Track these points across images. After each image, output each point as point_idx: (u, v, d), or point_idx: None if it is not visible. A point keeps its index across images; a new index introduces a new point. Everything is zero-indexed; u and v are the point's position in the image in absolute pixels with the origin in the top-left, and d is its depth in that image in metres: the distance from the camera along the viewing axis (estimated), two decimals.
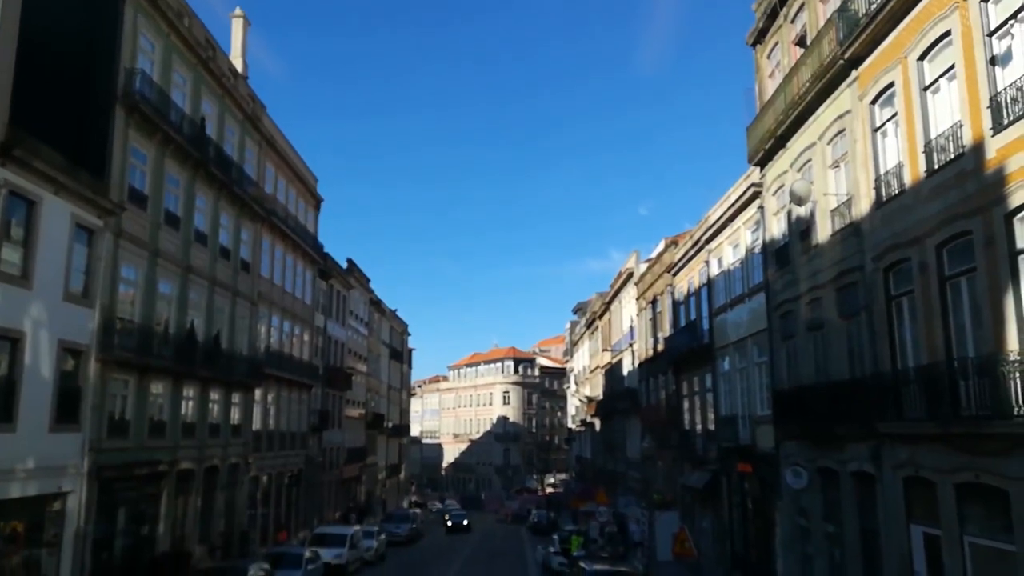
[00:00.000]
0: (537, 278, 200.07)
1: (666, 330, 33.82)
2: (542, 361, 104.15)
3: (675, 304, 32.29)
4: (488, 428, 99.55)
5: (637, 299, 40.48)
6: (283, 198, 37.49)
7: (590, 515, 26.84)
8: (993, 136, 11.79)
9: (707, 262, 27.00)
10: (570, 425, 79.27)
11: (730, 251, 24.86)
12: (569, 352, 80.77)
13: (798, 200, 17.73)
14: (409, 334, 78.15)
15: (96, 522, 20.71)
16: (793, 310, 19.63)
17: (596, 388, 56.95)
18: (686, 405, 30.88)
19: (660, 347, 35.07)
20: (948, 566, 12.73)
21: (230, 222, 30.19)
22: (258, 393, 33.21)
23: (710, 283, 26.99)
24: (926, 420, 13.02)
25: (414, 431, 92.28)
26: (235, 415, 30.88)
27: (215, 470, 28.73)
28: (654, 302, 36.59)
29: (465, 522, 52.55)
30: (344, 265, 50.78)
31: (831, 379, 17.21)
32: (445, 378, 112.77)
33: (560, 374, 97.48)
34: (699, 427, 28.91)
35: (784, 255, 20.23)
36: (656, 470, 37.26)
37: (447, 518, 53.59)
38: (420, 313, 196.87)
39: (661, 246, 34.69)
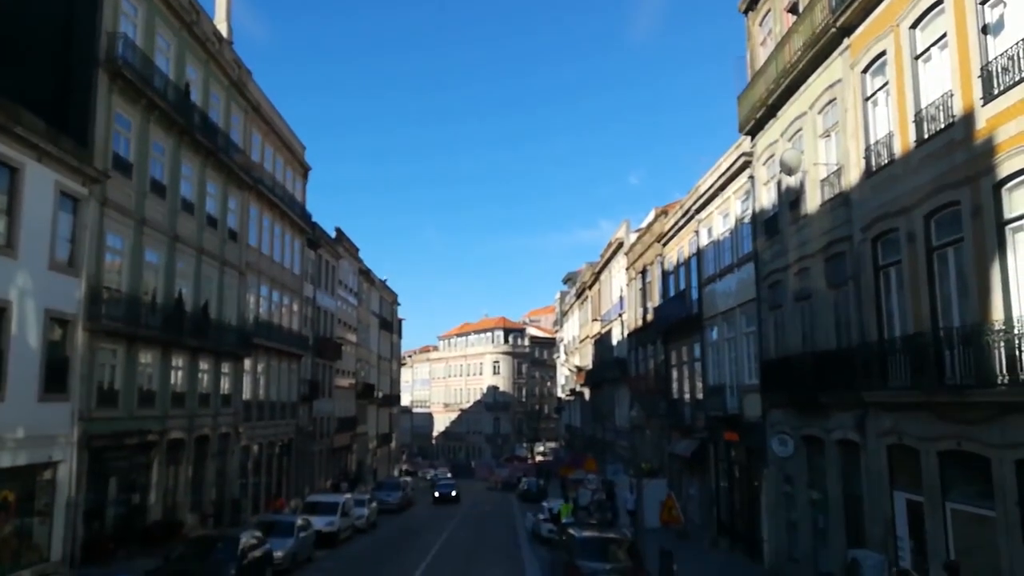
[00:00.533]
0: (527, 249, 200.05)
1: (655, 300, 33.94)
2: (532, 331, 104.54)
3: (665, 274, 32.36)
4: (478, 398, 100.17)
5: (627, 269, 40.54)
6: (270, 166, 37.11)
7: (579, 483, 27.13)
8: (983, 106, 11.77)
9: (697, 232, 27.02)
10: (559, 394, 79.83)
11: (720, 221, 24.88)
12: (559, 322, 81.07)
13: (788, 170, 17.72)
14: (399, 304, 78.16)
15: (87, 491, 20.78)
16: (781, 280, 19.71)
17: (585, 358, 57.28)
18: (675, 374, 31.11)
19: (649, 317, 35.21)
20: (930, 531, 12.98)
21: (217, 190, 29.89)
22: (247, 363, 33.19)
23: (700, 253, 27.03)
24: (911, 389, 13.17)
25: (404, 401, 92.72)
26: (225, 385, 30.89)
27: (205, 439, 28.80)
28: (644, 272, 36.66)
29: (454, 493, 50.04)
30: (333, 235, 50.52)
31: (818, 348, 17.36)
32: (435, 348, 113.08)
33: (550, 344, 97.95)
34: (687, 396, 29.16)
35: (773, 225, 20.26)
36: (644, 439, 37.65)
37: (435, 489, 50.98)
38: (410, 284, 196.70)
39: (651, 216, 34.67)
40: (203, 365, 28.49)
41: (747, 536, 22.72)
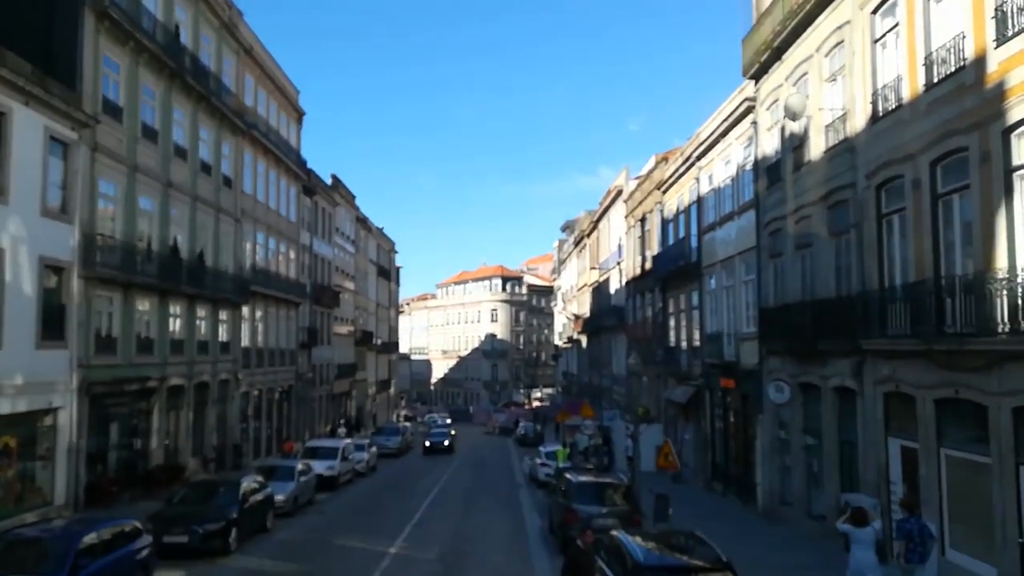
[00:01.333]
0: (526, 197, 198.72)
1: (654, 248, 33.80)
2: (530, 279, 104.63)
3: (664, 222, 32.14)
4: (476, 345, 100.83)
5: (626, 217, 40.27)
6: (264, 111, 36.44)
7: (575, 428, 27.45)
8: (996, 48, 11.44)
9: (697, 179, 26.72)
10: (557, 342, 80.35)
11: (721, 168, 24.56)
12: (557, 270, 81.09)
13: (792, 115, 17.39)
14: (396, 252, 77.93)
15: (89, 437, 20.95)
16: (782, 228, 19.55)
17: (583, 306, 57.43)
18: (672, 322, 31.18)
19: (648, 265, 35.11)
20: (924, 476, 13.14)
21: (210, 136, 29.38)
22: (246, 310, 33.18)
23: (700, 201, 26.78)
24: (910, 337, 13.16)
25: (403, 348, 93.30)
26: (223, 332, 30.93)
27: (205, 386, 28.97)
28: (643, 220, 36.41)
29: (446, 443, 44.28)
30: (329, 182, 49.98)
31: (817, 297, 17.32)
32: (433, 296, 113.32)
33: (548, 292, 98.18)
34: (684, 344, 29.29)
35: (775, 172, 20.00)
36: (641, 385, 37.99)
37: (426, 438, 45.39)
38: (408, 233, 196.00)
39: (651, 163, 34.26)
40: (200, 312, 28.46)
41: (740, 480, 23.08)
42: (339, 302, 49.52)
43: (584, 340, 57.86)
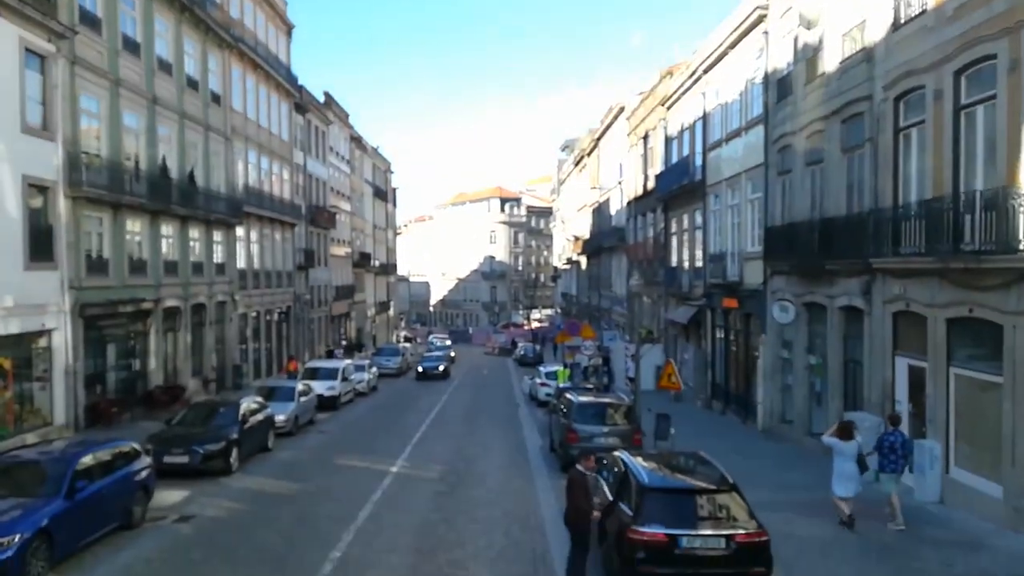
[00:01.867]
0: (525, 117, 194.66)
1: (657, 167, 33.01)
2: (528, 200, 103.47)
3: (668, 140, 31.25)
4: (475, 267, 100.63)
5: (628, 135, 39.24)
6: (251, 23, 34.88)
7: (575, 349, 27.41)
8: None
9: (704, 94, 25.74)
10: (556, 263, 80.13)
11: (729, 82, 23.57)
12: (556, 191, 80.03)
13: (807, 23, 16.49)
14: (392, 172, 76.64)
15: (85, 358, 20.80)
16: (792, 144, 18.87)
17: (583, 227, 56.82)
18: (674, 243, 30.75)
19: (650, 185, 34.38)
20: (931, 395, 12.99)
21: (195, 50, 28.13)
22: (240, 231, 32.64)
23: (705, 117, 25.89)
24: (923, 255, 12.77)
25: (402, 270, 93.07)
26: (218, 254, 30.47)
27: (202, 307, 28.73)
28: (646, 138, 35.45)
29: (441, 368, 40.10)
30: (321, 99, 48.51)
31: (826, 215, 16.83)
32: (431, 218, 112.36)
33: (547, 213, 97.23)
34: (686, 264, 28.93)
35: (787, 85, 19.15)
36: (642, 306, 37.88)
37: (419, 363, 41.67)
38: (404, 155, 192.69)
39: (656, 78, 33.04)
40: (193, 233, 27.93)
41: (740, 399, 23.15)
42: (335, 223, 48.88)
43: (584, 261, 57.55)
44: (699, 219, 26.87)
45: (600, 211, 49.86)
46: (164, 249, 25.67)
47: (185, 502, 13.52)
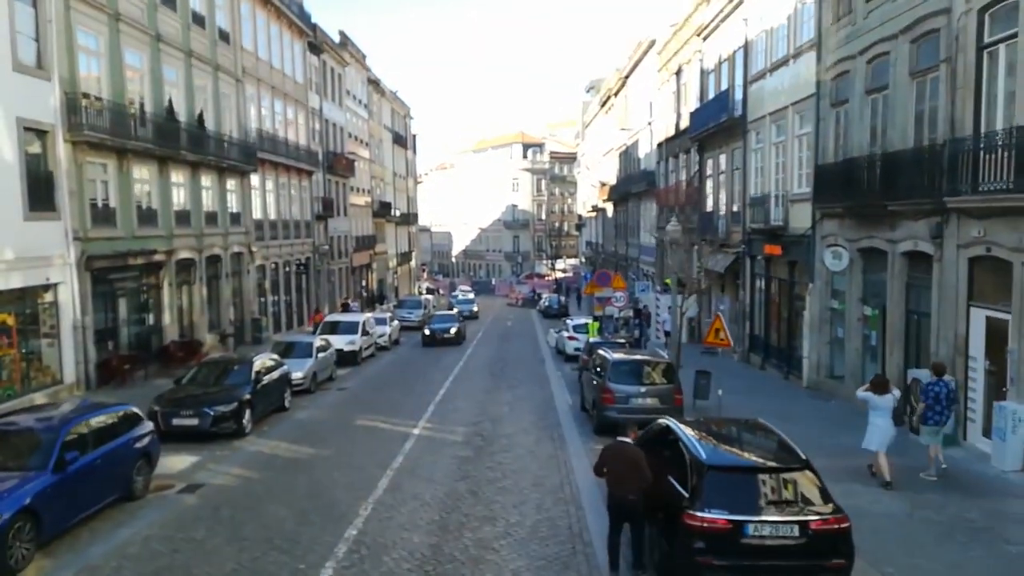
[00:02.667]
0: (548, 55, 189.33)
1: (691, 104, 31.04)
2: (552, 146, 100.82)
3: (703, 74, 29.21)
4: (497, 216, 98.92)
5: (659, 71, 37.06)
6: None
7: (605, 300, 25.90)
8: None
9: (746, 20, 23.66)
10: (580, 211, 78.23)
11: (775, 4, 21.48)
12: (581, 135, 77.58)
13: None
14: (412, 118, 74.59)
15: (95, 313, 19.91)
16: (850, 70, 17.02)
17: (609, 172, 54.86)
18: (709, 186, 29.02)
19: (683, 124, 32.44)
20: (1016, 350, 11.52)
21: None
22: (255, 179, 31.43)
23: (747, 46, 23.86)
24: (1011, 191, 11.17)
25: (423, 220, 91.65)
26: (232, 203, 29.35)
27: (217, 259, 27.74)
28: (678, 73, 33.34)
29: (453, 330, 32.34)
30: (336, 40, 46.57)
31: (890, 149, 15.12)
32: (452, 165, 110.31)
33: (571, 159, 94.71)
34: (723, 209, 27.26)
35: (845, 2, 17.20)
36: (674, 254, 36.29)
37: (430, 327, 32.96)
38: (423, 99, 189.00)
39: (690, 6, 30.76)
40: (205, 181, 26.75)
41: (782, 352, 21.79)
42: (354, 171, 47.45)
43: (610, 208, 55.76)
44: (738, 159, 25.10)
45: (628, 154, 47.86)
46: (175, 198, 24.55)
47: (193, 468, 12.60)
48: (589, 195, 67.35)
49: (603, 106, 58.16)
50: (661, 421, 9.28)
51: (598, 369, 15.52)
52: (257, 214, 32.01)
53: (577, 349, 24.50)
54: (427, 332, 32.56)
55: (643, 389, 14.38)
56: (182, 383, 15.93)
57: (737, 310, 25.65)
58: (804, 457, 7.65)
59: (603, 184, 56.22)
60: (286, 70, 35.82)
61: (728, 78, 26.00)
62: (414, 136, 77.51)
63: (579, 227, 79.01)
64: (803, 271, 19.99)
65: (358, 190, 50.51)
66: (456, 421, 16.35)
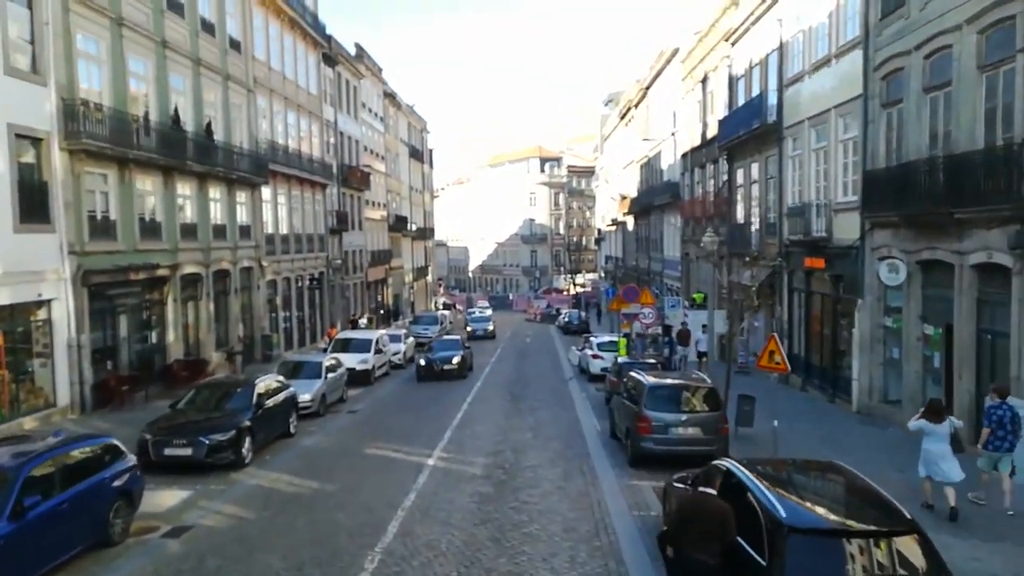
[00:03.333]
0: (568, 70, 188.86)
1: (718, 113, 29.68)
2: (569, 160, 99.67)
3: (732, 80, 27.85)
4: (514, 230, 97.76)
5: (683, 79, 35.75)
6: None
7: (632, 317, 24.29)
8: None
9: (780, 20, 22.30)
10: (599, 225, 76.83)
11: (813, 1, 20.12)
12: (599, 148, 76.35)
13: None
14: (428, 132, 73.75)
15: (92, 331, 18.78)
16: (903, 68, 15.59)
17: (630, 185, 53.48)
18: (740, 196, 27.57)
19: (710, 133, 31.09)
20: None
21: None
22: (267, 192, 30.43)
23: (782, 48, 22.50)
24: None
25: (439, 235, 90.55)
26: (242, 215, 28.33)
27: (226, 274, 26.66)
28: (704, 81, 32.02)
29: (456, 360, 25.89)
30: (352, 52, 45.74)
31: (955, 151, 13.65)
32: (469, 180, 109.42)
33: (589, 173, 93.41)
34: (755, 221, 25.79)
35: None
36: (698, 268, 34.83)
37: (426, 356, 26.44)
38: (440, 116, 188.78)
39: (717, 11, 29.48)
40: (214, 193, 25.73)
41: (825, 373, 20.23)
42: (369, 184, 46.46)
43: (630, 222, 54.33)
44: (773, 167, 23.66)
45: (650, 166, 46.50)
46: (181, 210, 23.50)
47: (183, 506, 11.31)
48: (608, 208, 66.00)
49: (623, 118, 56.89)
50: (720, 464, 7.82)
51: (632, 393, 14.08)
52: (269, 228, 31.00)
53: (604, 369, 23.05)
54: (422, 363, 25.97)
55: (684, 417, 12.92)
56: (178, 407, 14.69)
57: (772, 328, 24.10)
58: (909, 516, 6.20)
59: (623, 197, 54.84)
60: (300, 81, 34.92)
61: (760, 83, 24.63)
62: (431, 151, 76.66)
63: (598, 241, 77.58)
64: (851, 286, 18.47)
65: (374, 204, 49.52)
66: (475, 449, 14.96)
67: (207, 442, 12.97)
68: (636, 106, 50.57)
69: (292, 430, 16.28)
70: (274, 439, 15.36)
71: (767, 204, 24.43)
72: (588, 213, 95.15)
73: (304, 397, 17.95)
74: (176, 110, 22.69)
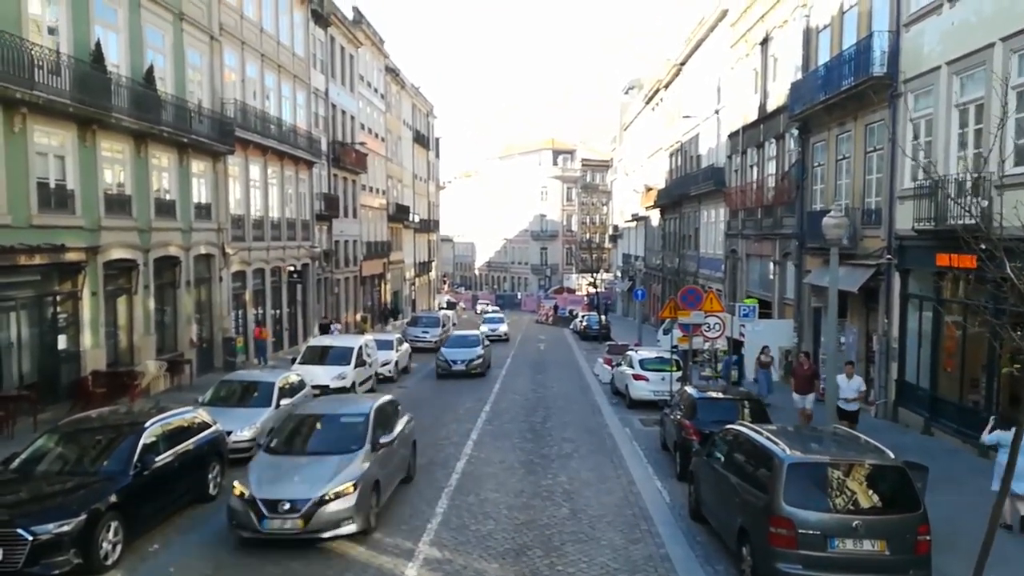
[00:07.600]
0: (583, 59, 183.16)
1: (784, 78, 24.26)
2: (584, 153, 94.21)
3: (810, 33, 22.38)
4: (524, 226, 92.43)
5: (732, 46, 30.27)
6: None
7: (693, 329, 18.23)
8: None
9: None
10: (615, 221, 71.41)
11: None
12: (618, 138, 70.80)
13: None
14: (435, 117, 68.39)
15: None
16: None
17: (656, 175, 48.05)
18: (819, 177, 22.11)
19: (772, 104, 25.68)
20: None
21: None
22: (234, 164, 25.13)
23: None
24: None
25: (445, 230, 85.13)
26: (200, 191, 23.07)
27: (174, 261, 21.38)
28: (765, 42, 26.55)
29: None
30: (350, 16, 40.40)
31: None
32: (477, 172, 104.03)
33: (604, 167, 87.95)
34: (840, 208, 20.22)
35: None
36: (748, 267, 29.42)
37: (440, 357, 25.88)
38: (448, 103, 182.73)
39: None
40: (158, 160, 20.45)
41: (965, 413, 14.76)
42: (366, 166, 41.09)
43: (655, 216, 48.91)
44: (877, 137, 18.20)
45: (683, 152, 41.05)
46: (105, 177, 18.17)
47: None
48: (628, 203, 60.59)
49: (648, 103, 51.44)
50: None
51: (741, 463, 8.58)
52: (238, 209, 25.70)
53: (657, 393, 17.60)
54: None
55: (855, 522, 7.30)
56: (11, 466, 9.26)
57: (876, 345, 18.66)
58: None
59: (648, 189, 49.40)
60: (282, 38, 29.61)
61: (857, 31, 19.16)
62: (437, 139, 71.32)
63: (614, 238, 72.13)
64: (1017, 291, 12.94)
65: (371, 190, 44.20)
66: (482, 542, 9.51)
67: (29, 538, 7.58)
68: (666, 87, 45.15)
69: (212, 490, 10.80)
70: (176, 511, 9.95)
71: (865, 185, 18.96)
72: (604, 208, 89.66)
73: (241, 434, 12.57)
74: (98, 45, 17.33)
